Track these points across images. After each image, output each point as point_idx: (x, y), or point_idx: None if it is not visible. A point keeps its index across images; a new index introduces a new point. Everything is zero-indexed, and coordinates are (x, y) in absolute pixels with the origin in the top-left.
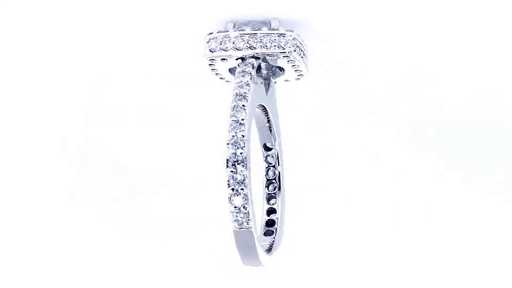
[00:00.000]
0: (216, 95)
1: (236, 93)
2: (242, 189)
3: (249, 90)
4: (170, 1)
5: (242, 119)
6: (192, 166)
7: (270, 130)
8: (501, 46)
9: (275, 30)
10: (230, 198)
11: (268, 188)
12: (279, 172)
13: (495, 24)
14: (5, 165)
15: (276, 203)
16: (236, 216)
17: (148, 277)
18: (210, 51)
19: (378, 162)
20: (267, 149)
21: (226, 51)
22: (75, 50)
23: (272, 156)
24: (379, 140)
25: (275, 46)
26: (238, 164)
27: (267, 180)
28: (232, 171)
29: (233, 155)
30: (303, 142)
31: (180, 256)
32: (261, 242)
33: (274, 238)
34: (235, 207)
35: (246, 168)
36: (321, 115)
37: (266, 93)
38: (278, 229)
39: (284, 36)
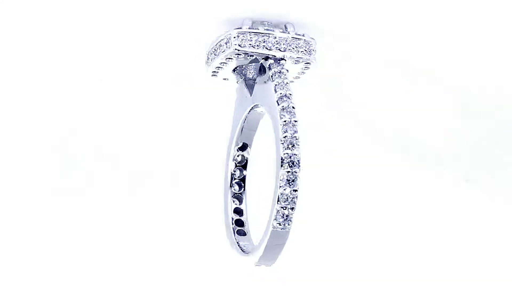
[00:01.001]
0: (217, 95)
1: (282, 93)
2: (295, 190)
3: (291, 90)
4: (177, 1)
5: (294, 120)
6: (192, 166)
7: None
8: (501, 47)
9: (301, 36)
10: (280, 197)
11: (233, 188)
12: (245, 175)
13: (495, 25)
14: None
15: (242, 204)
16: (281, 216)
17: (145, 275)
18: (240, 45)
19: (378, 162)
20: (241, 148)
21: (256, 48)
22: (78, 49)
23: (243, 156)
24: (379, 140)
25: (302, 52)
26: (293, 164)
27: (234, 179)
28: (288, 172)
29: (287, 155)
30: (302, 141)
31: (176, 256)
32: (240, 242)
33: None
34: (282, 207)
35: (299, 169)
36: (320, 115)
37: (251, 94)
38: (248, 232)
39: (310, 44)
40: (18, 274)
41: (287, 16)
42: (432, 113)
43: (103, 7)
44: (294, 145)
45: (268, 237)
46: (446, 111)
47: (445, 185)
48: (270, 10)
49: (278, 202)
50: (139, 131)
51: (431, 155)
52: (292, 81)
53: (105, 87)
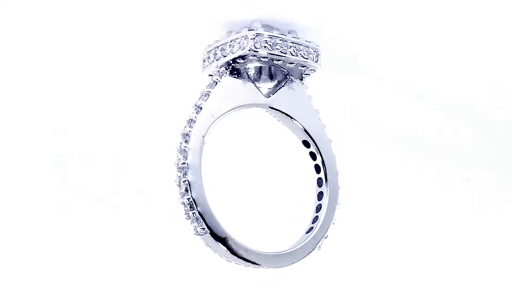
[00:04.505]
0: None
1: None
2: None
3: None
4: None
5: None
6: None
7: None
8: (504, 46)
9: (309, 42)
10: (330, 227)
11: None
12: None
13: (497, 26)
14: None
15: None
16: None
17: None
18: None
19: (379, 162)
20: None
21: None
22: (77, 50)
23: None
24: (379, 140)
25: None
26: None
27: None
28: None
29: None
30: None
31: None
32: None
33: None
34: (326, 235)
35: None
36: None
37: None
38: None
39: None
40: (15, 273)
41: (293, 22)
42: (433, 113)
43: (103, 8)
44: None
45: (308, 254)
46: (447, 111)
47: (445, 185)
48: (276, 15)
49: (327, 231)
50: (138, 132)
51: (431, 155)
52: None
53: (104, 88)
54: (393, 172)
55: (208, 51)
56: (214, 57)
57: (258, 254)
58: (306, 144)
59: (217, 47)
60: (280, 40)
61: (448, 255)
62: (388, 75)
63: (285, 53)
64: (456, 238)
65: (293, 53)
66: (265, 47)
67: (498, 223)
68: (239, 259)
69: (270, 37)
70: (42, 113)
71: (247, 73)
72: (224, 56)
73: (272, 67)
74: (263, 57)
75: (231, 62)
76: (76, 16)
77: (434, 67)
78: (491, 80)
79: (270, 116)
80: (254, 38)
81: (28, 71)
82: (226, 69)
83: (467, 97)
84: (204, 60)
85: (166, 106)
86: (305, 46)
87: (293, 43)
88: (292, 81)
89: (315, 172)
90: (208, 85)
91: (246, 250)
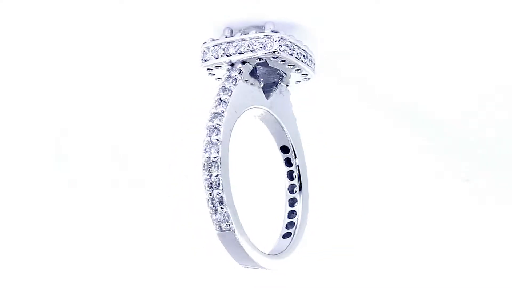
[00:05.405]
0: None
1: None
2: None
3: None
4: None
5: None
6: (190, 166)
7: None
8: (502, 47)
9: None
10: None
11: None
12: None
13: (494, 26)
14: None
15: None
16: None
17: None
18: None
19: (379, 163)
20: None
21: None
22: (77, 50)
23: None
24: (380, 140)
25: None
26: None
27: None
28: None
29: None
30: (304, 142)
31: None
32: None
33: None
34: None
35: None
36: (320, 116)
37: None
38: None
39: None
40: (13, 272)
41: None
42: (433, 113)
43: (102, 8)
44: None
45: (295, 254)
46: (447, 111)
47: (445, 185)
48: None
49: (303, 237)
50: (136, 131)
51: (431, 155)
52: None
53: (102, 87)
54: (392, 173)
55: (214, 45)
56: (224, 53)
57: (267, 256)
58: (284, 149)
59: (229, 43)
60: (296, 46)
61: (447, 256)
62: (385, 78)
63: (299, 59)
64: (456, 239)
65: (303, 60)
66: (285, 50)
67: (498, 223)
68: (250, 259)
69: (291, 42)
70: (41, 112)
71: (256, 74)
72: (240, 53)
73: (259, 69)
74: (281, 61)
75: (245, 60)
76: (76, 15)
77: (435, 69)
78: (492, 81)
79: (255, 118)
80: (279, 41)
81: (26, 71)
82: (241, 66)
83: (467, 97)
84: (205, 53)
85: (165, 104)
86: (309, 54)
87: (304, 50)
88: (281, 85)
89: (287, 178)
90: (229, 81)
91: (257, 250)
